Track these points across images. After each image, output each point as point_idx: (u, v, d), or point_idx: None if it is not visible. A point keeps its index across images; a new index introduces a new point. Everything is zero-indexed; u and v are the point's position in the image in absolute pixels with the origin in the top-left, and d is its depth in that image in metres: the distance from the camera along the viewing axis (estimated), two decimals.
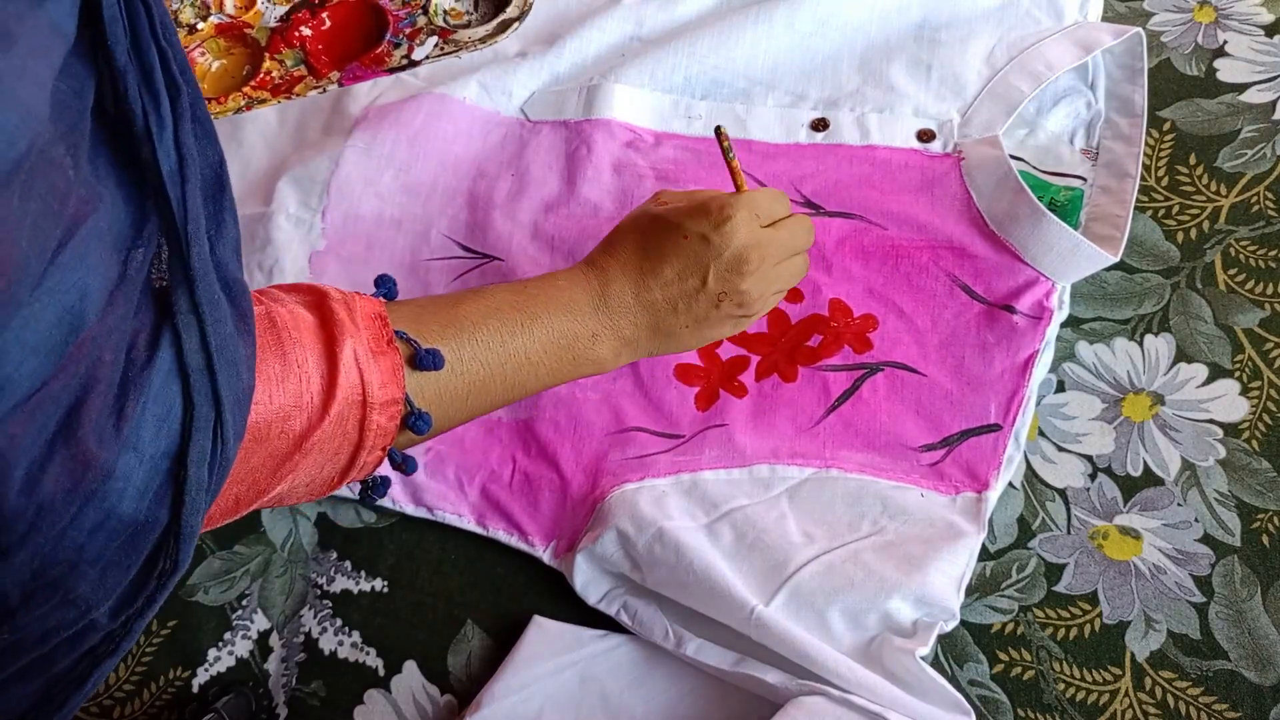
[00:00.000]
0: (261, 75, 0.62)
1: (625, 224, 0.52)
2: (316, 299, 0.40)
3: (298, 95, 0.61)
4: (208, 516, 0.35)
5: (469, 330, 0.44)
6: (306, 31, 0.62)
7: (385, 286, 0.46)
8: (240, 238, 0.35)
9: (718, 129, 0.52)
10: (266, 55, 0.62)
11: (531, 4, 0.62)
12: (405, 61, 0.61)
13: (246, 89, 0.61)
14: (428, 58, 0.62)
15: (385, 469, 0.44)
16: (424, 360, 0.42)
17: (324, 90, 0.61)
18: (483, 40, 0.61)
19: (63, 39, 0.27)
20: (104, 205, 0.29)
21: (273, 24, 0.63)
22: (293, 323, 0.38)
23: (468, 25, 0.63)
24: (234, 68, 0.63)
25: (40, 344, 0.25)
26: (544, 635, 0.57)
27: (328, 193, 0.67)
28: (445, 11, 0.63)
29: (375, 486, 0.45)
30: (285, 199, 0.67)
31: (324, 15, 0.63)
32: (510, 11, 0.62)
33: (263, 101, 0.61)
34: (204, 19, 0.62)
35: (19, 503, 0.25)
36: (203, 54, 0.62)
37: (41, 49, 0.25)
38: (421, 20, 0.62)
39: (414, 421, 0.41)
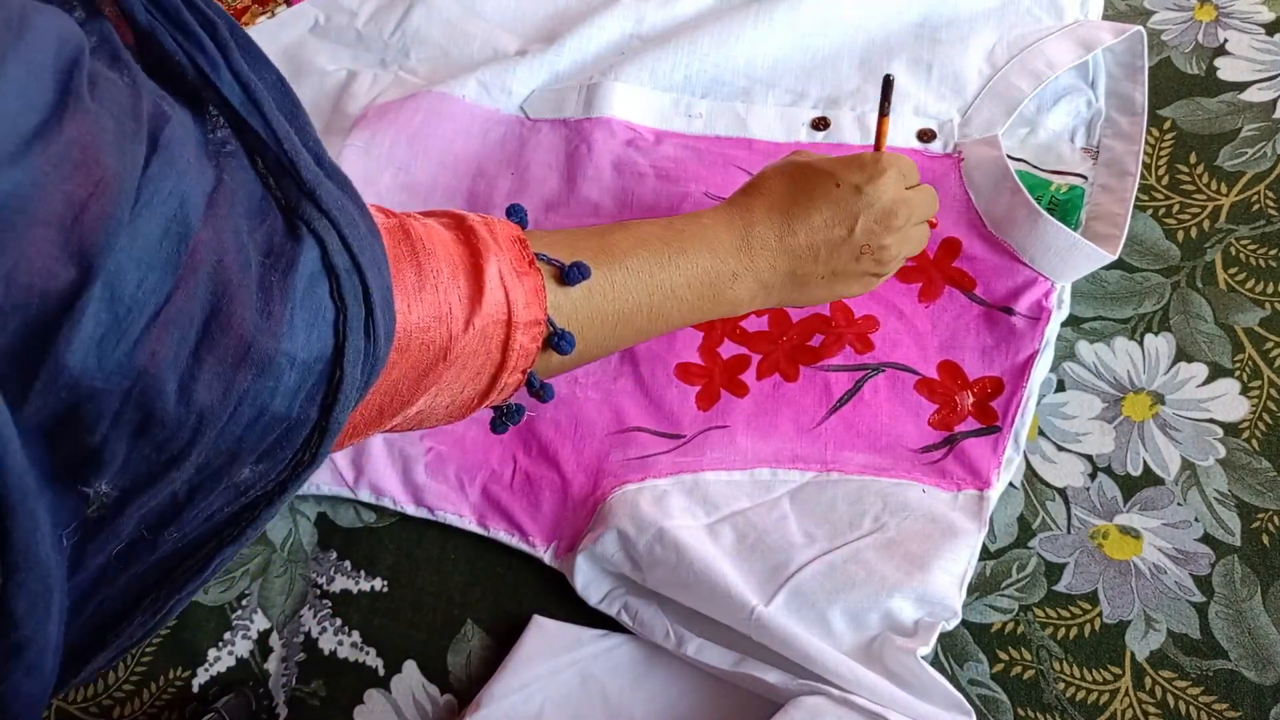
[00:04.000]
0: None
1: (770, 170, 0.51)
2: (455, 220, 0.40)
3: (246, 26, 0.59)
4: (353, 425, 0.35)
5: (619, 258, 0.44)
6: None
7: (518, 215, 0.45)
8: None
9: (887, 78, 0.51)
10: None
11: None
12: None
13: None
14: None
15: (522, 395, 0.44)
16: (570, 275, 0.42)
17: (273, 13, 0.59)
18: None
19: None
20: (177, 115, 0.28)
21: None
22: (427, 236, 0.37)
23: None
24: None
25: (153, 258, 0.25)
26: (544, 635, 0.57)
27: None
28: None
29: (510, 414, 0.44)
30: None
31: None
32: None
33: None
34: None
35: (179, 412, 0.26)
36: None
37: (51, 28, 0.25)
38: None
39: (557, 342, 0.41)
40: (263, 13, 0.58)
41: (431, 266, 0.36)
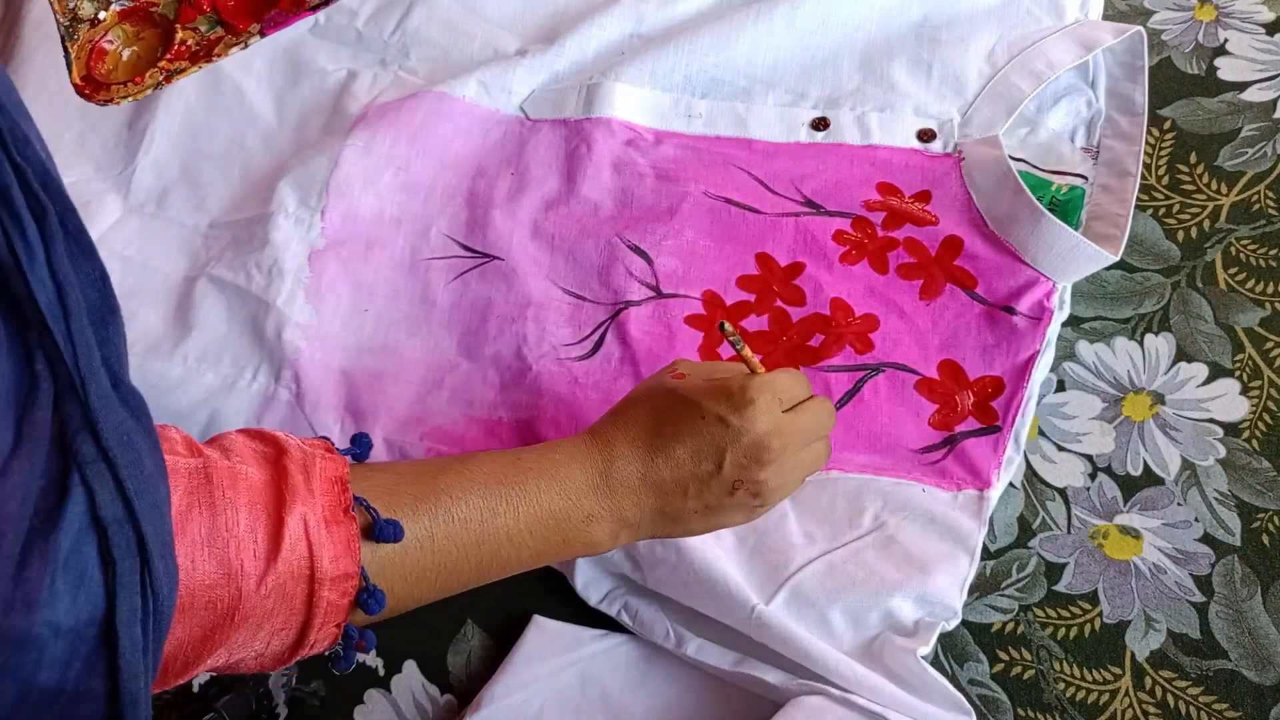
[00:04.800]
0: (177, 47, 0.58)
1: (637, 394, 0.49)
2: (274, 454, 0.37)
3: (219, 57, 0.58)
4: None
5: (446, 504, 0.41)
6: None
7: (360, 446, 0.43)
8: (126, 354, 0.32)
9: (722, 325, 0.48)
10: (179, 28, 0.59)
11: None
12: None
13: (163, 63, 0.58)
14: None
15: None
16: (381, 532, 0.39)
17: (246, 45, 0.58)
18: None
19: None
20: None
21: None
22: (231, 481, 0.35)
23: None
24: (147, 52, 0.60)
25: None
26: (544, 635, 0.57)
27: (327, 192, 0.67)
28: None
29: (337, 660, 0.41)
30: (285, 199, 0.67)
31: None
32: None
33: (182, 71, 0.58)
34: (105, 8, 0.60)
35: None
36: (111, 43, 0.60)
37: None
38: None
39: (365, 599, 0.38)
40: (236, 43, 0.58)
41: (226, 518, 0.34)
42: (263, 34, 0.59)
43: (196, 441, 0.37)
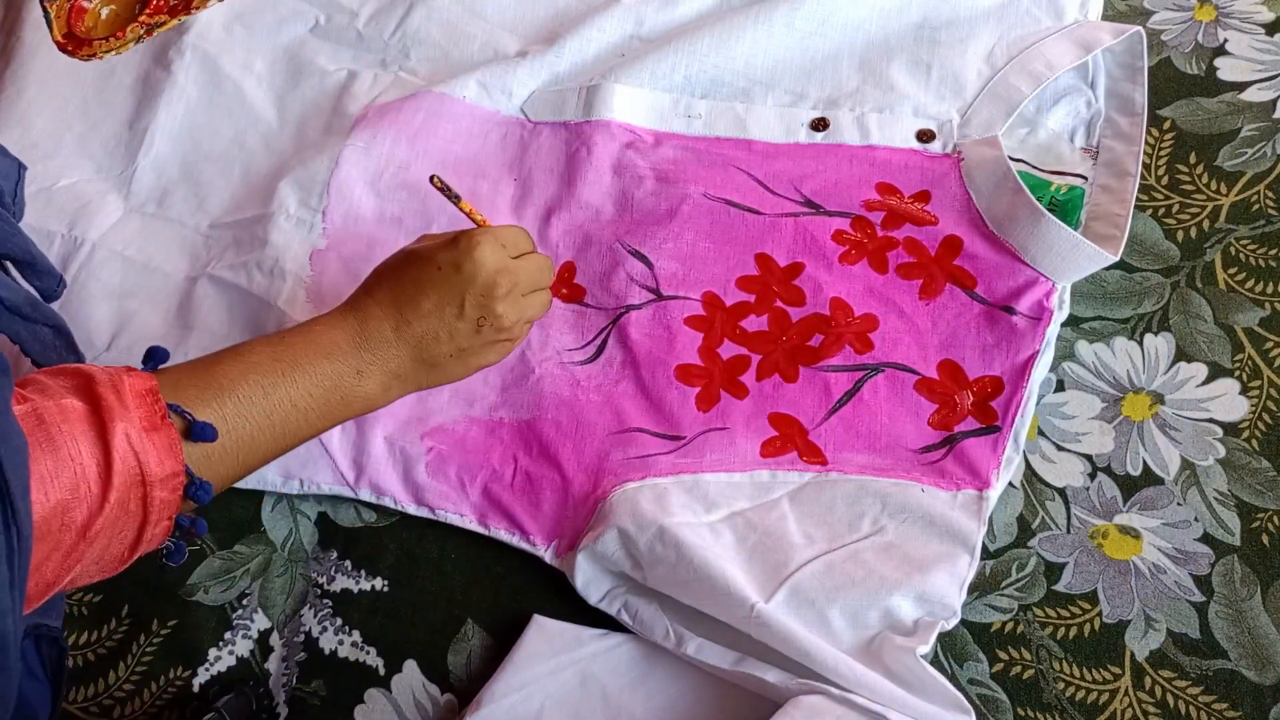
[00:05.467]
0: (155, 1, 0.60)
1: (381, 266, 0.53)
2: (84, 382, 0.40)
3: (198, 9, 0.60)
4: None
5: (228, 390, 0.45)
6: None
7: (155, 359, 0.46)
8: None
9: (432, 178, 0.53)
10: None
11: None
12: None
13: (142, 17, 0.60)
14: None
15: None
16: (196, 433, 0.42)
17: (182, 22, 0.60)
18: None
19: None
20: None
21: None
22: (61, 415, 0.38)
23: None
24: (125, 8, 0.61)
25: None
26: (544, 634, 0.57)
27: (328, 192, 0.67)
28: None
29: (171, 554, 0.45)
30: (285, 199, 0.67)
31: None
32: None
33: (162, 25, 0.60)
34: None
35: None
36: (90, 1, 0.61)
37: None
38: None
39: (194, 491, 0.42)
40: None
41: (68, 450, 0.37)
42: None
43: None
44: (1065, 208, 0.62)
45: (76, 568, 0.38)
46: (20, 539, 0.31)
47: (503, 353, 0.53)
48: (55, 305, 0.66)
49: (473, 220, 0.56)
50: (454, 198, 0.54)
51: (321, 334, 0.49)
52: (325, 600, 0.61)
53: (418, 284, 0.50)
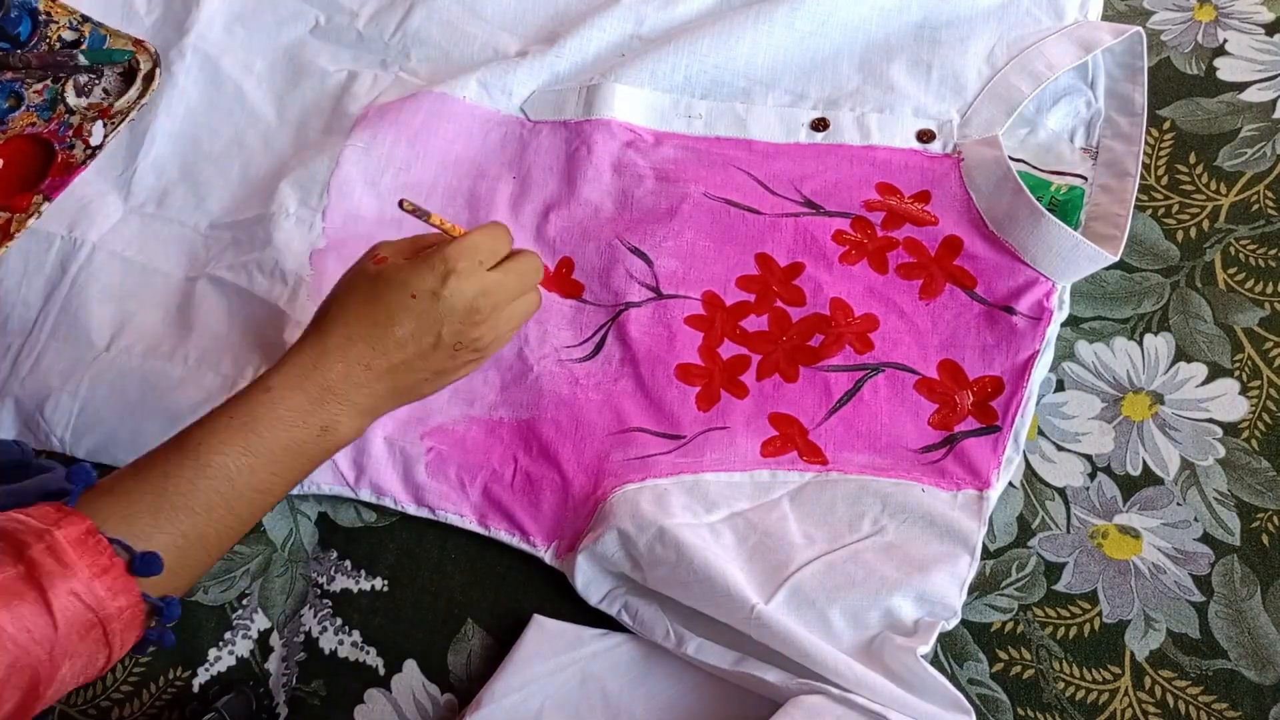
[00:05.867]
0: None
1: (341, 289, 0.49)
2: (13, 547, 0.38)
3: (18, 233, 0.62)
4: None
5: (184, 504, 0.43)
6: None
7: (80, 480, 0.43)
8: None
9: (402, 202, 0.50)
10: None
11: (158, 54, 0.67)
12: (90, 152, 0.64)
13: None
14: (106, 137, 0.65)
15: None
16: (139, 568, 0.40)
17: (39, 214, 0.62)
18: (138, 99, 0.66)
19: None
20: None
21: None
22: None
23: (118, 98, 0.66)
24: None
25: None
26: (544, 634, 0.57)
27: (328, 192, 0.67)
28: (84, 109, 0.66)
29: (143, 646, 0.43)
30: (286, 199, 0.67)
31: None
32: (143, 67, 0.67)
33: None
34: None
35: None
36: None
37: None
38: (75, 118, 0.65)
39: (157, 615, 0.41)
40: (27, 216, 0.62)
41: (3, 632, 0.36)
42: (49, 199, 0.62)
43: None
44: (1065, 208, 0.62)
45: (47, 699, 0.38)
46: None
47: (478, 365, 0.52)
48: (56, 306, 0.66)
49: (445, 231, 0.52)
50: (424, 216, 0.50)
51: (278, 400, 0.46)
52: (325, 600, 0.61)
53: (389, 314, 0.47)
